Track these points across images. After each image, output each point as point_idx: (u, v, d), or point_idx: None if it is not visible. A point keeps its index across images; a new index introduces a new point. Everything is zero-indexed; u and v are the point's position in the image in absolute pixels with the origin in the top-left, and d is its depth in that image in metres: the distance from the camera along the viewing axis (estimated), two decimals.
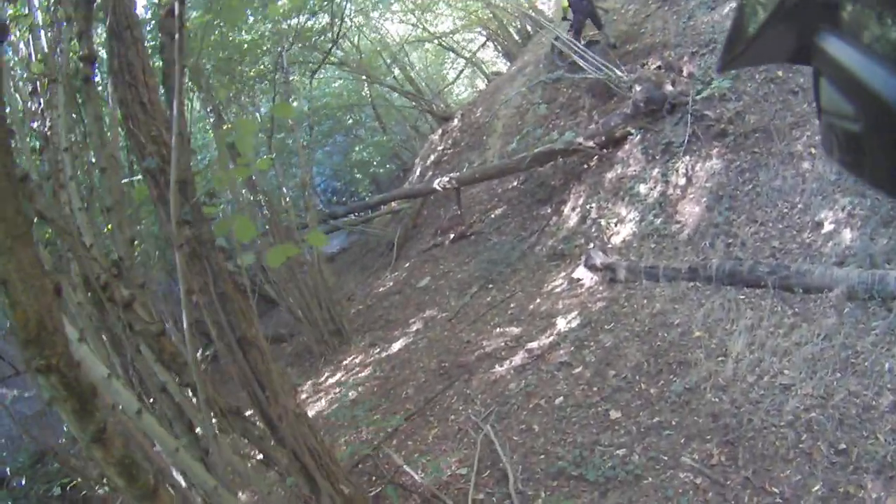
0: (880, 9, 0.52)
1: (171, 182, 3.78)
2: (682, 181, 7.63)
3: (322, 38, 12.90)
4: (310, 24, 12.05)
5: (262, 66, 9.75)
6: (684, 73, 8.74)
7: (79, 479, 4.95)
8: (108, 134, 3.83)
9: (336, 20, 12.60)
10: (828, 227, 5.74)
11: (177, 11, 2.72)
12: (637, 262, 7.10)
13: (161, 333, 3.36)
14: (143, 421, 2.72)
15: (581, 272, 7.75)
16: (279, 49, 9.29)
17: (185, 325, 2.88)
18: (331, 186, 19.99)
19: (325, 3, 11.44)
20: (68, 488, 5.65)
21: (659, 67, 9.33)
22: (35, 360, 1.81)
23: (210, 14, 6.65)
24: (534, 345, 6.51)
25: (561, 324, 6.71)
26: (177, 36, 2.73)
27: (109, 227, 3.41)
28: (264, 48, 9.47)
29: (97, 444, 2.04)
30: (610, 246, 7.95)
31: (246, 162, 3.42)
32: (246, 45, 9.15)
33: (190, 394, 3.37)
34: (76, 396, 1.94)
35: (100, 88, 4.45)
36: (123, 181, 4.36)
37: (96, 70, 3.72)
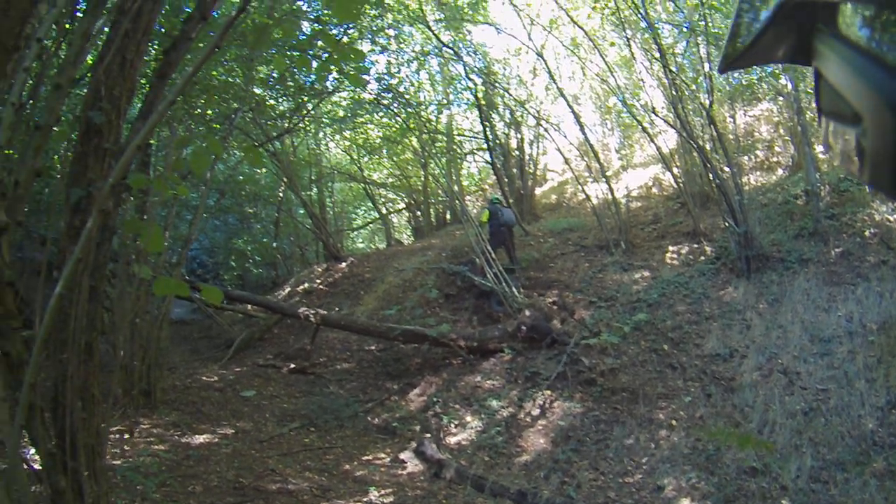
0: (880, 10, 0.53)
1: (106, 146, 3.46)
2: (537, 412, 7.78)
3: (274, 121, 12.91)
4: (271, 102, 12.08)
5: (214, 110, 9.45)
6: (575, 317, 9.18)
7: None
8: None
9: (296, 115, 12.77)
10: (668, 493, 5.93)
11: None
12: (467, 468, 6.93)
13: (8, 284, 2.85)
14: None
15: (408, 455, 7.49)
16: (236, 106, 9.09)
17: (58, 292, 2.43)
18: (200, 258, 19.05)
19: (294, 91, 11.55)
20: None
21: (554, 303, 9.80)
22: None
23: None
24: (340, 502, 6.04)
25: (373, 494, 6.31)
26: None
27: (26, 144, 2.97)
28: (224, 95, 9.23)
29: None
30: (444, 444, 7.79)
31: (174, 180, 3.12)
32: (216, 83, 8.91)
33: None
34: None
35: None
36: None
37: None
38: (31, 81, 3.15)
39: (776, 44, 0.70)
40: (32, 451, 3.17)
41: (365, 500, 6.19)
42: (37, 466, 3.24)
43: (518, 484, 6.48)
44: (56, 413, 3.16)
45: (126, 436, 6.87)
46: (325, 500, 6.09)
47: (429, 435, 7.90)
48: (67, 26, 3.95)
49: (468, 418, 8.21)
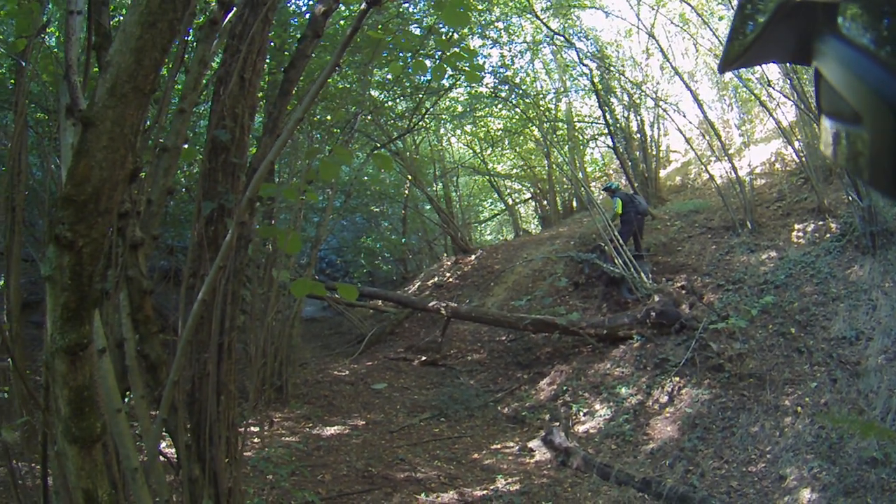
0: (880, 10, 0.51)
1: (233, 162, 3.74)
2: (665, 399, 7.61)
3: (394, 122, 13.30)
4: (389, 103, 12.47)
5: (336, 115, 9.87)
6: (704, 301, 8.87)
7: None
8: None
9: (416, 114, 13.06)
10: (790, 483, 5.69)
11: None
12: (594, 457, 6.90)
13: (149, 292, 3.17)
14: (102, 362, 2.48)
15: (536, 444, 7.55)
16: (355, 110, 9.46)
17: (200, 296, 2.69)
18: (330, 258, 19.90)
19: (411, 90, 11.82)
20: None
21: (682, 287, 9.50)
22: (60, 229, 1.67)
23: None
24: (467, 490, 6.21)
25: (500, 483, 6.44)
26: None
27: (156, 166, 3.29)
28: (342, 101, 9.61)
29: (68, 357, 1.82)
30: (572, 432, 7.78)
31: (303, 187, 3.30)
32: (333, 90, 9.32)
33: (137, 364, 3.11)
34: (77, 290, 1.77)
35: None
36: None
37: (226, 19, 3.74)
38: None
39: (776, 43, 0.70)
40: (163, 443, 3.49)
41: (492, 488, 6.32)
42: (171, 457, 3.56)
43: (643, 472, 6.39)
44: (192, 408, 3.47)
45: (258, 429, 7.34)
46: (452, 487, 6.27)
47: (557, 423, 7.91)
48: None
49: (597, 406, 8.15)
